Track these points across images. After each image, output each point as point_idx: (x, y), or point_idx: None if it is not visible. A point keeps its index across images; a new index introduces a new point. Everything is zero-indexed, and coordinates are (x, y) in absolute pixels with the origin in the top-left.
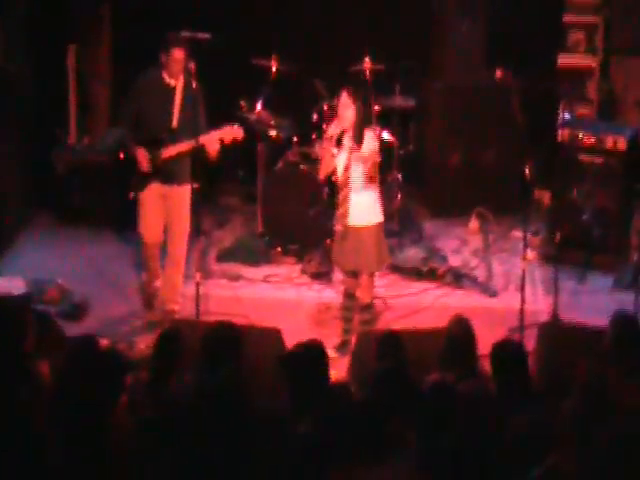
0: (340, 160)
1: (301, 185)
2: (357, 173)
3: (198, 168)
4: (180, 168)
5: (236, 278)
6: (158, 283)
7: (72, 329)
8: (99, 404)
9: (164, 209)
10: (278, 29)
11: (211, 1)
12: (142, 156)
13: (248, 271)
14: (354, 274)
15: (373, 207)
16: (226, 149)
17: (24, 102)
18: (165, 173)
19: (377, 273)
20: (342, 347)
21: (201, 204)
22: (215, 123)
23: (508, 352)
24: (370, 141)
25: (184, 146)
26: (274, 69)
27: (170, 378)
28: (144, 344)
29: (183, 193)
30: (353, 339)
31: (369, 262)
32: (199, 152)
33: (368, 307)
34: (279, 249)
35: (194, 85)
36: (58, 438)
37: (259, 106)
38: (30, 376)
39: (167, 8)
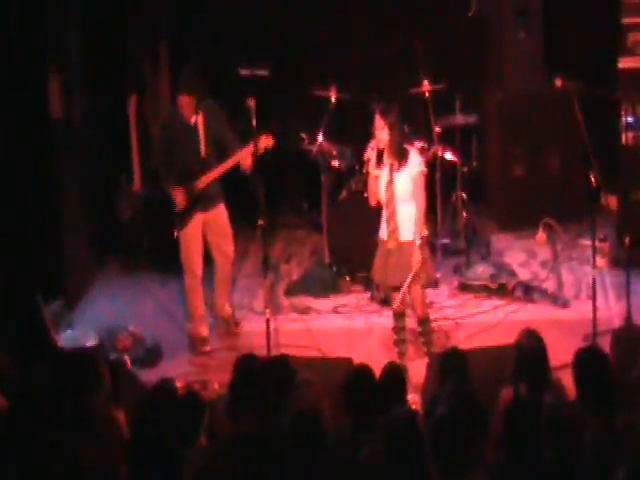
0: (382, 178)
1: (365, 213)
2: (401, 189)
3: (263, 204)
4: (213, 191)
5: (305, 311)
6: (204, 330)
7: (147, 375)
8: (179, 447)
9: (204, 237)
10: (334, 58)
11: (266, 35)
12: (177, 195)
13: (317, 302)
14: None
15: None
16: (289, 181)
17: (87, 151)
18: (203, 202)
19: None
20: None
21: (267, 239)
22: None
23: (591, 360)
24: (415, 158)
25: (217, 171)
26: (333, 98)
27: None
28: (217, 383)
29: (220, 212)
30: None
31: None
32: (234, 169)
33: (425, 320)
34: (347, 278)
35: (214, 110)
36: None
37: (320, 137)
38: (108, 425)
39: (224, 43)
